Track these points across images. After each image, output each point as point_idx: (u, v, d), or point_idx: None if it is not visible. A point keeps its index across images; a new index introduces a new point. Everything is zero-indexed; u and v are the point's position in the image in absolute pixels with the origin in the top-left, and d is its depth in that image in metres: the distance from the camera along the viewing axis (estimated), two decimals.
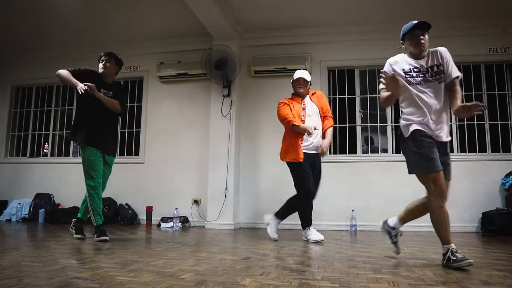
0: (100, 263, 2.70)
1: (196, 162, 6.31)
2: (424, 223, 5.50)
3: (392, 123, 6.00)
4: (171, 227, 5.73)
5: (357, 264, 2.80)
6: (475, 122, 5.78)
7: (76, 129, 4.14)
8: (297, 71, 4.56)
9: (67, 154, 7.10)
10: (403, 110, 3.02)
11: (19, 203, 6.57)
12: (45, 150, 7.36)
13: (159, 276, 2.31)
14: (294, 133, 4.33)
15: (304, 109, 4.42)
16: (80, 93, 3.83)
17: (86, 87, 3.83)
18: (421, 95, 2.87)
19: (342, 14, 5.80)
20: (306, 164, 4.23)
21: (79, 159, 6.78)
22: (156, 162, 6.51)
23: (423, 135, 2.85)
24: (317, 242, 4.10)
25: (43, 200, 6.55)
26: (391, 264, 2.80)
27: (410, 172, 3.08)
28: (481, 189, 5.53)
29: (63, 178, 6.81)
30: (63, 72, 4.00)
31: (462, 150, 5.81)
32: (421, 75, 2.91)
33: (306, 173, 4.23)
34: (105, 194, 6.27)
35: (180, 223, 5.78)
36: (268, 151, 6.14)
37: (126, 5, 5.67)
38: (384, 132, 6.10)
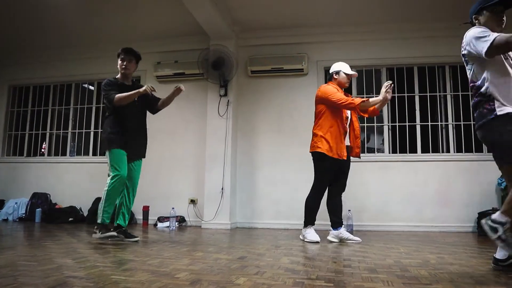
0: (95, 262, 2.70)
1: (193, 161, 6.31)
2: (420, 222, 5.58)
3: (388, 123, 6.01)
4: (168, 226, 5.74)
5: (352, 264, 2.81)
6: (472, 122, 5.80)
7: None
8: (344, 64, 4.44)
9: (64, 154, 7.09)
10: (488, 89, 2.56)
11: (16, 203, 6.56)
12: (42, 150, 7.35)
13: (154, 275, 2.31)
14: (340, 127, 4.13)
15: None
16: (150, 93, 3.90)
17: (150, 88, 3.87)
18: None
19: (339, 14, 5.82)
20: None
21: (76, 159, 6.86)
22: (153, 162, 6.48)
23: None
24: (312, 243, 4.10)
25: (40, 199, 6.55)
26: (386, 264, 2.81)
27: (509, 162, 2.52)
28: (477, 189, 5.55)
29: (60, 178, 6.81)
30: (118, 96, 3.86)
31: (458, 150, 5.83)
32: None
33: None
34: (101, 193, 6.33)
35: (176, 223, 5.78)
36: (264, 151, 6.15)
37: (124, 4, 5.66)
38: (380, 132, 6.12)
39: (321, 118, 4.17)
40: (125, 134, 3.97)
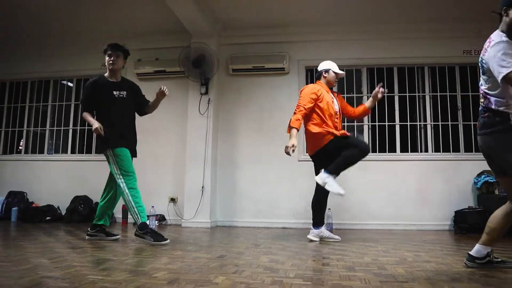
0: (72, 262, 2.66)
1: (173, 160, 6.27)
2: (399, 221, 5.66)
3: (368, 122, 6.07)
4: (148, 225, 5.67)
5: (331, 262, 2.83)
6: (449, 123, 5.90)
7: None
8: (333, 63, 4.46)
9: (41, 151, 6.96)
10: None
11: None
12: (19, 147, 7.20)
13: (131, 275, 2.29)
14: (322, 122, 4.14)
15: (333, 102, 4.26)
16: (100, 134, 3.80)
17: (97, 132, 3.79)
18: None
19: (320, 14, 5.84)
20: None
21: (54, 157, 6.74)
22: (134, 160, 6.42)
23: None
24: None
25: (16, 198, 6.41)
26: (364, 262, 2.84)
27: None
28: (454, 188, 5.66)
29: (37, 176, 6.68)
30: (84, 115, 3.91)
31: (436, 149, 5.93)
32: None
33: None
34: (81, 192, 6.25)
35: (156, 221, 5.73)
36: (245, 149, 6.15)
37: (104, 0, 5.58)
38: (361, 131, 6.17)
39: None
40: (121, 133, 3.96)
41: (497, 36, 2.46)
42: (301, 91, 4.29)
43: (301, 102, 4.11)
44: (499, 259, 2.66)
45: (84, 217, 5.87)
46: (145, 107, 4.31)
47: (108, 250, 3.31)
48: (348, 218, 5.70)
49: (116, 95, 3.97)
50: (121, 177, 3.84)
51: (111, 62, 3.97)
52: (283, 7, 5.67)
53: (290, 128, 4.07)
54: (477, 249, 2.66)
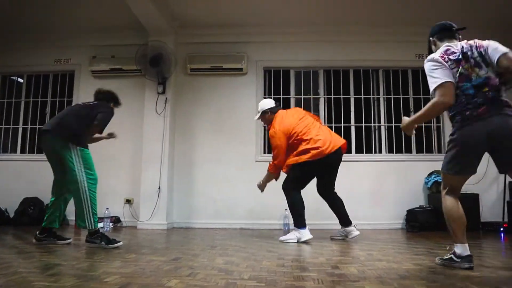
0: (18, 268, 2.54)
1: (129, 160, 6.13)
2: (354, 220, 5.73)
3: (324, 123, 6.16)
4: (102, 227, 5.52)
5: (285, 263, 2.85)
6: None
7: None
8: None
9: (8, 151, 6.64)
10: None
11: None
12: None
13: (81, 280, 2.21)
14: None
15: None
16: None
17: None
18: None
19: (278, 14, 5.89)
20: None
21: (2, 157, 6.43)
22: None
23: None
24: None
25: None
26: (318, 262, 2.88)
27: None
28: (406, 188, 5.84)
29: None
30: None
31: (389, 150, 6.10)
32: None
33: None
34: (31, 193, 5.99)
35: (111, 224, 5.59)
36: (203, 150, 6.10)
37: None
38: None
39: None
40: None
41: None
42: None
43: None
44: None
45: (34, 219, 5.64)
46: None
47: (57, 254, 3.18)
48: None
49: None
50: (84, 176, 3.72)
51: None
52: (242, 7, 5.68)
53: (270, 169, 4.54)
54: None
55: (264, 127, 6.16)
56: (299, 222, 4.22)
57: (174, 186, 6.00)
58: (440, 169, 5.62)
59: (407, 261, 2.92)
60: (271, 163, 4.42)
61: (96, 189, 3.84)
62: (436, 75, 2.69)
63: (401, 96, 6.18)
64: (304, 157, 4.13)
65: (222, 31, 6.19)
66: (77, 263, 2.77)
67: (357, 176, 5.93)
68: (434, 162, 5.83)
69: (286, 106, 6.23)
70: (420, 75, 6.15)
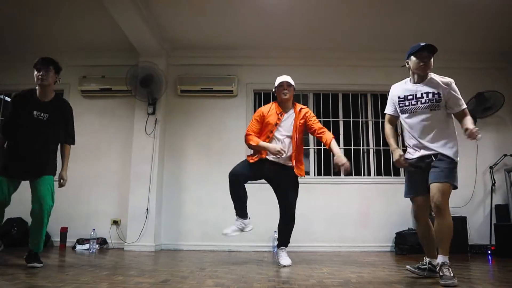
0: None
1: (117, 180, 6.07)
2: (342, 243, 5.77)
3: (314, 146, 6.21)
4: (88, 249, 5.42)
5: (277, 285, 2.82)
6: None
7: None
8: (278, 77, 4.18)
9: None
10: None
11: None
12: None
13: None
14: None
15: (277, 124, 4.03)
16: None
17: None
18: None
19: (268, 39, 5.97)
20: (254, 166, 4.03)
21: None
22: (74, 180, 6.09)
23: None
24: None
25: None
26: (310, 284, 2.85)
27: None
28: (394, 210, 5.86)
29: None
30: None
31: (378, 173, 6.14)
32: (413, 102, 3.13)
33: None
34: (15, 213, 5.86)
35: (97, 245, 5.48)
36: (192, 171, 6.07)
37: (49, 12, 5.36)
38: (306, 155, 6.28)
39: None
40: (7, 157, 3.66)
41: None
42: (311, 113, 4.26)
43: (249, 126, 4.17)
44: (441, 274, 2.84)
45: (18, 240, 5.51)
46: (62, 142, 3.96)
47: (42, 276, 3.11)
48: (292, 241, 5.70)
49: (35, 115, 3.67)
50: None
51: (40, 76, 3.65)
52: (232, 31, 5.75)
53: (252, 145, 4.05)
54: None
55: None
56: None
57: (162, 207, 5.93)
58: None
59: (397, 283, 2.91)
60: (331, 136, 4.04)
61: None
62: None
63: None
64: None
65: (213, 53, 6.25)
66: (63, 285, 2.71)
67: (346, 199, 5.95)
68: None
69: None
70: None
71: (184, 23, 5.57)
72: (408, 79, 3.27)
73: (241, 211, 4.14)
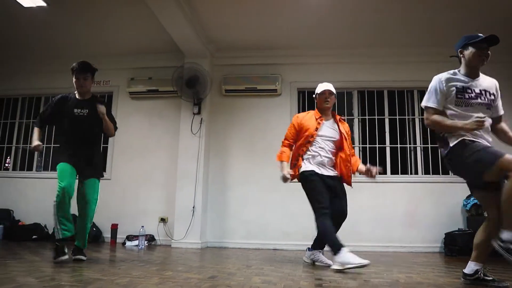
0: (60, 281, 2.61)
1: (164, 179, 6.23)
2: (389, 243, 5.66)
3: (359, 144, 6.12)
4: (137, 245, 5.61)
5: (323, 283, 2.81)
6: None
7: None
8: (320, 84, 4.10)
9: (30, 169, 6.88)
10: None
11: None
12: (6, 164, 7.11)
13: None
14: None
15: (317, 129, 3.88)
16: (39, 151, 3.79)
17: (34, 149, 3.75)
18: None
19: (312, 37, 5.95)
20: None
21: (42, 174, 6.65)
22: (123, 179, 6.39)
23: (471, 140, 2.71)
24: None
25: (1, 216, 6.30)
26: (357, 284, 2.82)
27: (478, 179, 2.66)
28: (443, 210, 5.69)
29: (24, 194, 6.58)
30: (34, 131, 3.89)
31: (426, 172, 5.98)
32: (473, 96, 2.79)
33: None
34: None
35: (146, 242, 5.67)
36: (236, 170, 6.14)
37: (98, 19, 5.62)
38: None
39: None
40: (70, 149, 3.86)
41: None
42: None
43: (286, 134, 4.09)
44: (490, 278, 2.67)
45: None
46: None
47: (96, 269, 3.24)
48: None
49: (76, 113, 3.85)
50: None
51: (80, 85, 3.87)
52: (276, 30, 5.76)
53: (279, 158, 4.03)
54: (468, 266, 2.75)
55: None
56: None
57: (208, 205, 6.04)
58: None
59: (450, 285, 2.82)
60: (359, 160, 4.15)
61: (60, 198, 3.80)
62: None
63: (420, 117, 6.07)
64: None
65: (256, 53, 6.30)
66: (116, 278, 2.82)
67: (392, 198, 5.82)
68: None
69: None
70: None
71: (228, 24, 5.65)
72: (456, 70, 2.91)
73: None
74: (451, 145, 2.78)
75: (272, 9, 5.24)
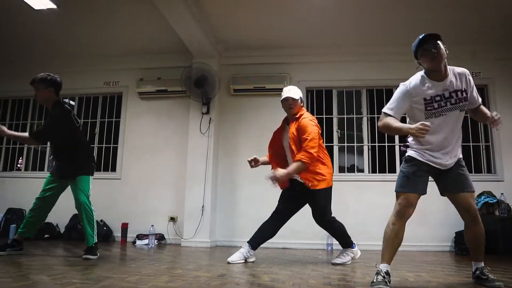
0: (72, 279, 2.65)
1: (173, 179, 6.28)
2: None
3: (368, 143, 6.11)
4: (147, 244, 5.66)
5: (332, 282, 2.82)
6: None
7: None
8: (284, 89, 4.05)
9: (41, 169, 6.96)
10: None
11: None
12: (18, 165, 7.20)
13: None
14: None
15: (282, 136, 4.02)
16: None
17: None
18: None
19: (321, 36, 5.94)
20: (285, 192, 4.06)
21: None
22: (133, 178, 6.45)
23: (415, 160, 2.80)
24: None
25: (15, 215, 6.38)
26: (366, 282, 2.83)
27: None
28: (453, 209, 5.57)
29: (37, 193, 6.59)
30: None
31: None
32: (443, 104, 2.67)
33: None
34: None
35: (155, 241, 5.71)
36: (245, 169, 6.10)
37: (107, 20, 5.68)
38: (360, 152, 6.20)
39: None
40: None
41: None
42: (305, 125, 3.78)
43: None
44: (485, 277, 2.70)
45: (83, 235, 5.82)
46: None
47: (107, 268, 3.29)
48: None
49: (43, 122, 4.15)
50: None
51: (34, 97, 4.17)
52: (284, 29, 5.77)
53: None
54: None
55: None
56: (349, 241, 4.05)
57: (217, 205, 6.07)
58: (489, 190, 5.44)
59: (460, 284, 2.82)
60: (305, 154, 3.63)
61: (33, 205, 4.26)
62: None
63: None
64: (330, 182, 3.87)
65: (264, 52, 6.31)
66: (127, 276, 2.85)
67: None
68: (484, 183, 5.67)
69: (329, 125, 6.24)
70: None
71: (236, 24, 5.67)
72: (425, 75, 2.78)
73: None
74: (407, 154, 2.87)
75: (280, 9, 5.25)
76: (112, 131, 6.79)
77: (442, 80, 2.70)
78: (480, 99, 2.84)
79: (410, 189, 2.81)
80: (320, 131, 3.89)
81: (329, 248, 5.43)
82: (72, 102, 7.20)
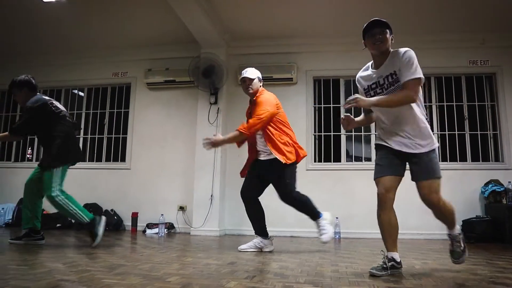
0: (86, 267, 2.72)
1: (182, 168, 6.34)
2: (405, 230, 5.64)
3: (375, 132, 6.11)
4: (157, 233, 5.75)
5: (340, 269, 2.87)
6: (456, 132, 5.94)
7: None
8: (243, 71, 4.16)
9: None
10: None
11: (3, 208, 6.51)
12: (28, 155, 7.30)
13: (145, 279, 2.34)
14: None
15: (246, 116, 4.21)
16: None
17: None
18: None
19: (328, 25, 5.93)
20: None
21: None
22: (142, 168, 6.53)
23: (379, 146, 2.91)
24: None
25: None
26: None
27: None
28: (461, 197, 5.67)
29: None
30: None
31: (443, 159, 5.96)
32: (378, 91, 2.79)
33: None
34: (91, 199, 6.32)
35: (165, 229, 5.80)
36: None
37: (115, 11, 5.71)
38: (368, 141, 6.22)
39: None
40: None
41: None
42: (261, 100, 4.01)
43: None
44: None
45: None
46: None
47: (119, 256, 3.36)
48: (355, 227, 5.72)
49: None
50: None
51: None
52: (291, 18, 5.77)
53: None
54: None
55: (314, 135, 6.21)
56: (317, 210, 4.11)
57: (225, 194, 6.13)
58: (497, 179, 5.44)
59: (465, 271, 2.86)
60: (246, 127, 3.95)
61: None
62: (419, 67, 2.70)
63: (454, 103, 6.03)
64: (299, 156, 4.03)
65: (272, 42, 6.31)
66: (139, 264, 2.93)
67: (409, 185, 5.79)
68: (491, 171, 5.68)
69: (336, 115, 6.25)
70: (474, 81, 6.00)
71: (243, 14, 5.67)
72: (369, 63, 2.93)
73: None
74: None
75: None
76: (121, 121, 6.86)
77: (379, 66, 2.81)
78: (406, 79, 2.66)
79: (381, 173, 2.87)
80: (279, 105, 4.09)
81: (337, 236, 5.48)
82: (81, 93, 7.27)
